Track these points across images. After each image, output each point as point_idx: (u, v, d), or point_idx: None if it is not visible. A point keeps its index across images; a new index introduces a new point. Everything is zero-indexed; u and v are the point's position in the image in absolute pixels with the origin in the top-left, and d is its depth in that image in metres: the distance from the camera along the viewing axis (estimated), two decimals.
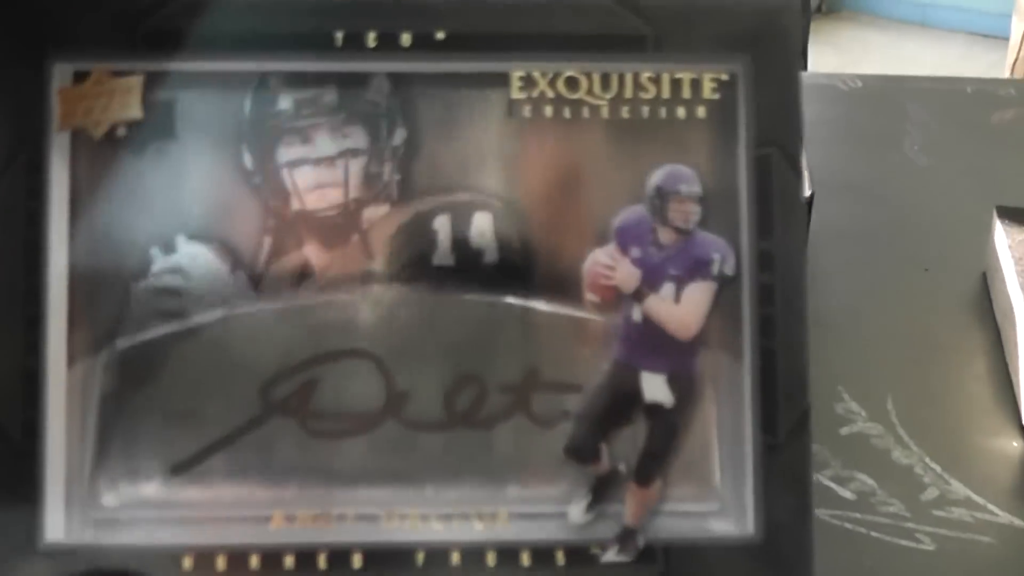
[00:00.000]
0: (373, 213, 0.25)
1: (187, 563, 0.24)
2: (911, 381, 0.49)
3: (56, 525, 0.24)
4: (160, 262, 0.25)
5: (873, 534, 0.38)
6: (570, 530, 0.24)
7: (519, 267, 0.25)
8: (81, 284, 0.25)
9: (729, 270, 0.24)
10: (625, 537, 0.24)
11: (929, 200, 0.62)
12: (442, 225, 0.25)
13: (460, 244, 0.25)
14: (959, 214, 0.60)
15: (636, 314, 0.24)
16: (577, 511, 0.24)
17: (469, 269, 0.25)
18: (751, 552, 0.24)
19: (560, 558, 0.24)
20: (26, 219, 0.25)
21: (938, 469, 0.43)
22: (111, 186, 0.25)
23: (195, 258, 0.25)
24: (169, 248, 0.25)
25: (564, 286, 0.24)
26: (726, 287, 0.24)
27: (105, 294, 0.25)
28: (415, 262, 0.25)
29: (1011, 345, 0.49)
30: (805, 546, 0.24)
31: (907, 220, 0.61)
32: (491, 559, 0.24)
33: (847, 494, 0.38)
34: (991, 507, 0.40)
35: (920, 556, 0.37)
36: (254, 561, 0.24)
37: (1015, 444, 0.45)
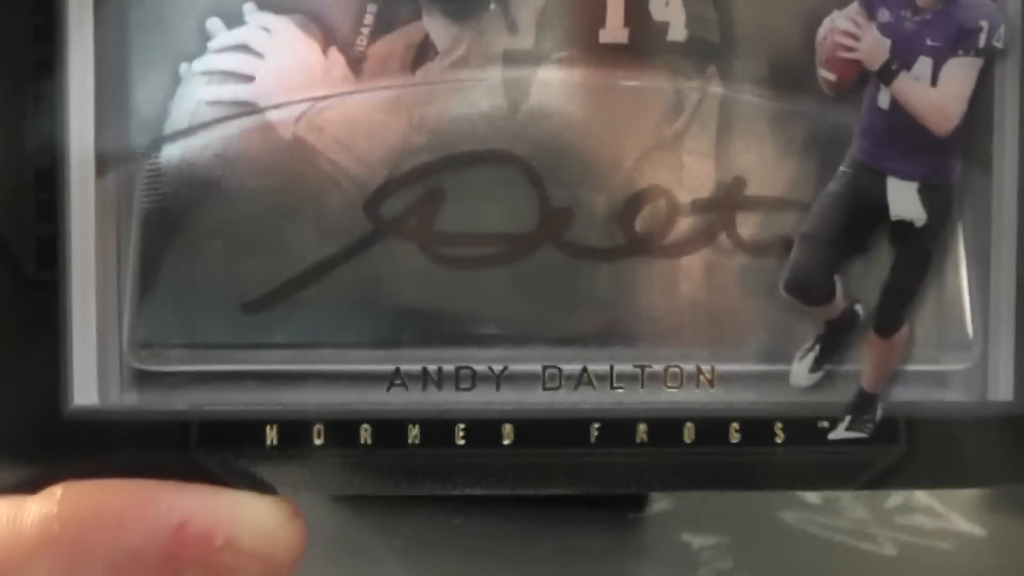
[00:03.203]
0: None
1: (271, 435, 0.17)
2: None
3: (85, 385, 0.17)
4: (222, 37, 0.18)
5: (837, 538, 0.39)
6: (790, 396, 0.18)
7: (718, 46, 0.18)
8: (113, 69, 0.18)
9: (999, 42, 0.18)
10: (861, 406, 0.18)
11: None
12: None
13: (637, 16, 0.18)
14: None
15: (883, 99, 0.18)
16: (801, 370, 0.18)
17: (649, 48, 0.18)
18: (1010, 425, 0.18)
19: (778, 433, 0.18)
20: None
21: None
22: None
23: (270, 32, 0.18)
24: (234, 19, 0.18)
25: (780, 70, 0.18)
26: (991, 66, 0.18)
27: (146, 78, 0.18)
28: (576, 39, 0.18)
29: None
30: None
31: None
32: (688, 433, 0.18)
33: (814, 499, 0.39)
34: (952, 515, 0.41)
35: (881, 560, 0.39)
36: (365, 434, 0.17)
37: None
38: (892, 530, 0.40)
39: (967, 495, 0.43)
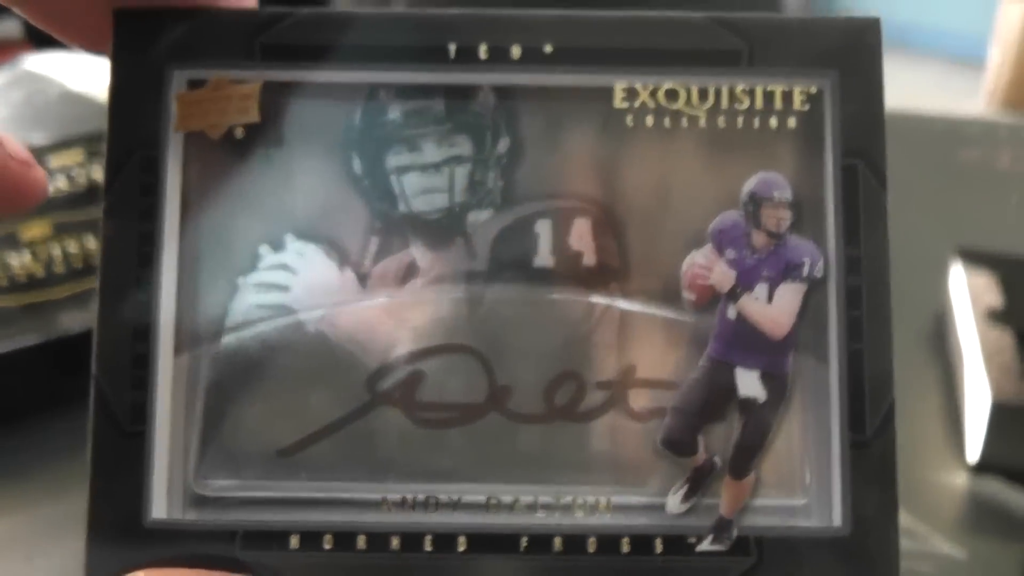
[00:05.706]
0: (477, 217, 0.26)
1: (294, 542, 0.25)
2: None
3: (160, 504, 0.25)
4: (268, 259, 0.26)
5: None
6: (667, 520, 0.25)
7: (617, 270, 0.26)
8: (190, 276, 0.26)
9: (818, 273, 0.25)
10: (720, 528, 0.25)
11: (892, 236, 0.63)
12: (543, 229, 0.26)
13: (560, 247, 0.26)
14: (921, 252, 0.61)
15: (731, 312, 0.25)
16: (674, 501, 0.25)
17: (568, 271, 0.26)
18: (838, 545, 0.25)
19: (658, 546, 0.25)
20: (140, 213, 0.26)
21: None
22: (224, 186, 0.26)
23: (303, 255, 0.26)
24: (278, 246, 0.26)
25: (660, 288, 0.26)
26: (815, 289, 0.25)
27: (213, 287, 0.26)
28: (516, 263, 0.26)
29: (961, 385, 0.50)
30: (891, 539, 0.25)
31: None
32: (592, 546, 0.25)
33: None
34: (933, 538, 0.42)
35: None
36: (361, 542, 0.25)
37: (959, 480, 0.46)
38: None
39: (950, 517, 0.43)
